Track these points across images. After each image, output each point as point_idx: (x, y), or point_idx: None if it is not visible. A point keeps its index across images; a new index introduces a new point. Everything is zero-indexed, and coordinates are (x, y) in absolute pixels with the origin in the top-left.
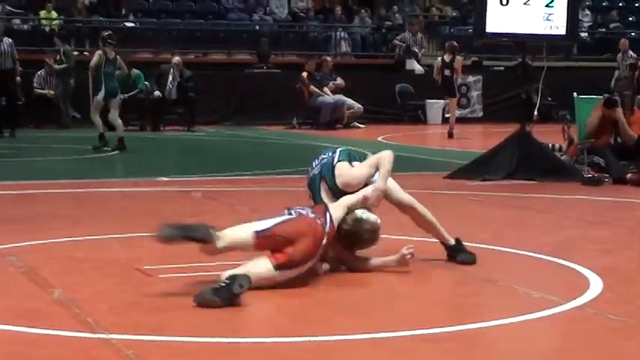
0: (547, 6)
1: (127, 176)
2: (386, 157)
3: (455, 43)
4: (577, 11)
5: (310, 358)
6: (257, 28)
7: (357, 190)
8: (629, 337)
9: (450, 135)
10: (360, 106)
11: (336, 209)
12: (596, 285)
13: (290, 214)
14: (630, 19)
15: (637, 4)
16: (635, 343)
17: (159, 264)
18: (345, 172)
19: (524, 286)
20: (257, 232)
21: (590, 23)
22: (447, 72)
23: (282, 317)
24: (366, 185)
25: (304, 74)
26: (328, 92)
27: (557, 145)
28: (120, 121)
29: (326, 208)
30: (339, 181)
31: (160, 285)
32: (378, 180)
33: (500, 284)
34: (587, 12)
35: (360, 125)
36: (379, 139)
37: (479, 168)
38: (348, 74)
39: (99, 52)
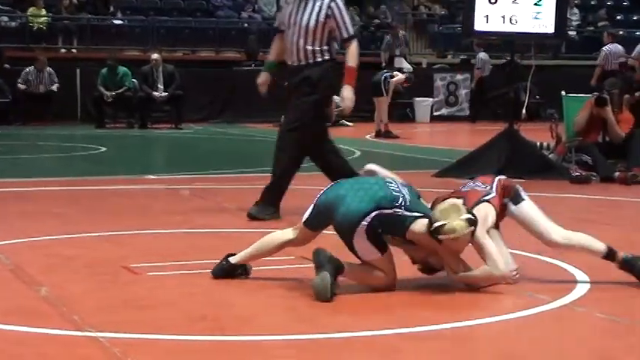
0: (535, 4)
1: (115, 174)
2: None
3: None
4: (565, 10)
5: (296, 356)
6: (245, 25)
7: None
8: (618, 335)
9: (378, 134)
10: None
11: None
12: (584, 283)
13: None
14: (618, 17)
15: (625, 3)
16: (623, 341)
17: (147, 262)
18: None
19: (513, 285)
20: None
21: (579, 22)
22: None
23: (269, 315)
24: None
25: None
26: None
27: (545, 144)
28: None
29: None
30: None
31: (147, 283)
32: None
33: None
34: (576, 10)
35: (348, 123)
36: (367, 137)
37: (467, 166)
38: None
39: None
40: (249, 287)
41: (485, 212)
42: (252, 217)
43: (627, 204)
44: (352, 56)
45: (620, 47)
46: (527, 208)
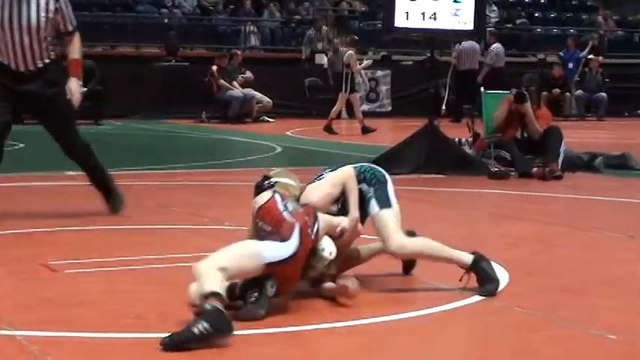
0: (455, 1)
1: (33, 170)
2: (348, 177)
3: (355, 38)
4: (484, 7)
5: (217, 351)
6: (165, 21)
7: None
8: (536, 329)
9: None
10: (269, 100)
11: (322, 222)
12: (502, 278)
13: (290, 215)
14: (536, 15)
15: (542, 1)
16: (541, 335)
17: (65, 259)
18: (311, 187)
19: (433, 279)
20: (268, 265)
21: (497, 19)
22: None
23: (193, 312)
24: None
25: (214, 67)
26: (237, 86)
27: (463, 140)
28: None
29: (315, 216)
30: (302, 198)
31: (65, 280)
32: (351, 209)
33: (409, 277)
34: (494, 7)
35: (270, 119)
36: (288, 133)
37: (388, 162)
38: (257, 68)
39: None
40: (173, 284)
41: None
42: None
43: (544, 199)
44: (78, 49)
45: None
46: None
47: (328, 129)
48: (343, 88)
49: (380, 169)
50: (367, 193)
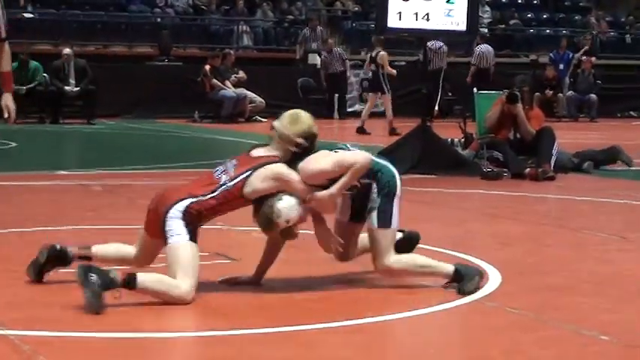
0: (448, 2)
1: (26, 169)
2: (359, 165)
3: (381, 37)
4: (477, 7)
5: (213, 351)
6: (158, 20)
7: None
8: (527, 329)
9: (392, 131)
10: (261, 100)
11: (266, 180)
12: (494, 278)
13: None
14: (529, 15)
15: (535, 2)
16: (533, 335)
17: None
18: (311, 157)
19: (425, 280)
20: None
21: (490, 20)
22: (372, 67)
23: (187, 311)
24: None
25: (207, 67)
26: (230, 86)
27: (455, 140)
28: None
29: (256, 165)
30: (299, 165)
31: (58, 279)
32: (335, 186)
33: (401, 278)
34: (487, 8)
35: (262, 119)
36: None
37: None
38: (250, 68)
39: None
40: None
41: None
42: None
43: (536, 199)
44: (10, 59)
45: (490, 48)
46: None
47: (392, 131)
48: (385, 89)
49: (397, 178)
50: (373, 202)
